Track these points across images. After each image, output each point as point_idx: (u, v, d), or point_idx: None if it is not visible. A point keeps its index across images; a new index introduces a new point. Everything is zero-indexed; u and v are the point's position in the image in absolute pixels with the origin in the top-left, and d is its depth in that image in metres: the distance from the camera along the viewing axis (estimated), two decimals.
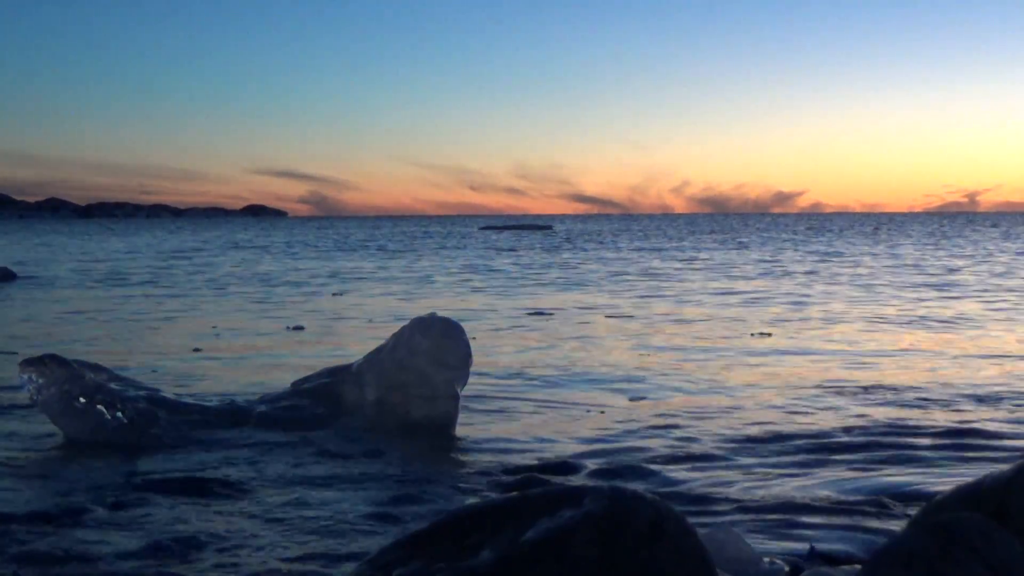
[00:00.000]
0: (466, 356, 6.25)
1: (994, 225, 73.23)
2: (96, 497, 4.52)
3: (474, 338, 6.70)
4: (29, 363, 5.96)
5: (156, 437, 5.77)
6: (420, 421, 6.05)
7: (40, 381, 5.85)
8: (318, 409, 6.25)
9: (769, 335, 10.71)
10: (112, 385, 6.08)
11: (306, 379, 6.59)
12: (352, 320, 12.74)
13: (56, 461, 5.41)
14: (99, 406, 5.89)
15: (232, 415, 6.17)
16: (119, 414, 5.89)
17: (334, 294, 17.00)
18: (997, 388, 7.36)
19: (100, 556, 3.70)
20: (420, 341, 6.18)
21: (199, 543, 3.88)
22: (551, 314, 13.12)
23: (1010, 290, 16.79)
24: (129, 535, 3.99)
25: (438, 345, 6.16)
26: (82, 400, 5.89)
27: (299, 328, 11.47)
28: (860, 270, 22.80)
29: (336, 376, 6.44)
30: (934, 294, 16.13)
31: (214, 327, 11.66)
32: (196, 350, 9.57)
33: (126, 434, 5.80)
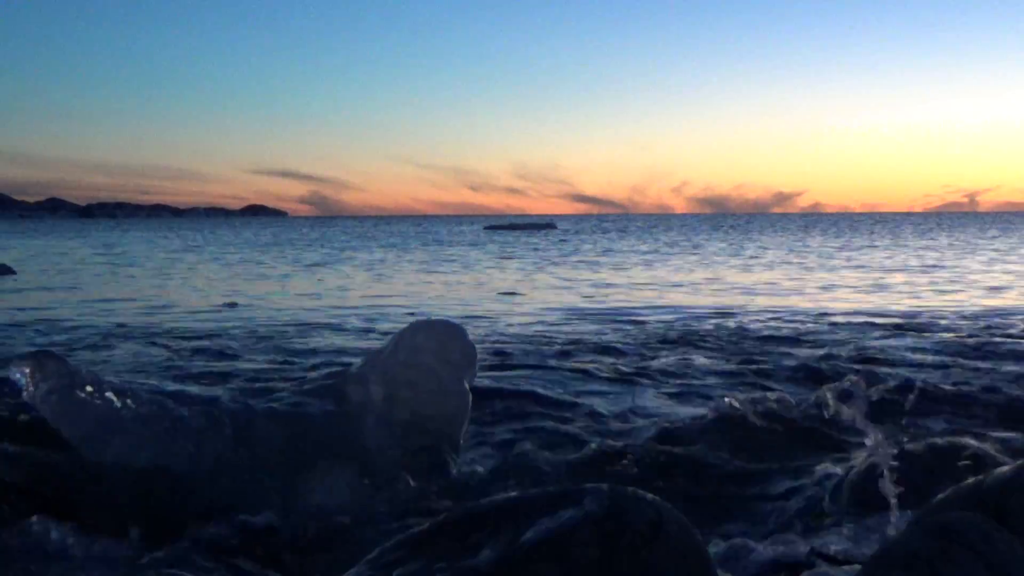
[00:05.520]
0: (472, 354, 6.21)
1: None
2: None
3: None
4: (23, 359, 5.81)
5: (173, 432, 5.58)
6: (432, 416, 6.02)
7: (38, 375, 5.64)
8: (327, 406, 6.20)
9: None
10: (111, 378, 5.98)
11: (304, 382, 6.58)
12: None
13: None
14: (108, 393, 5.63)
15: (239, 413, 6.08)
16: (130, 401, 5.64)
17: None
18: None
19: None
20: (423, 341, 6.14)
21: None
22: None
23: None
24: None
25: (442, 344, 6.13)
26: (89, 388, 5.62)
27: (232, 305, 12.02)
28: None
29: (337, 378, 6.41)
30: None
31: None
32: None
33: (141, 428, 5.55)
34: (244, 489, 4.88)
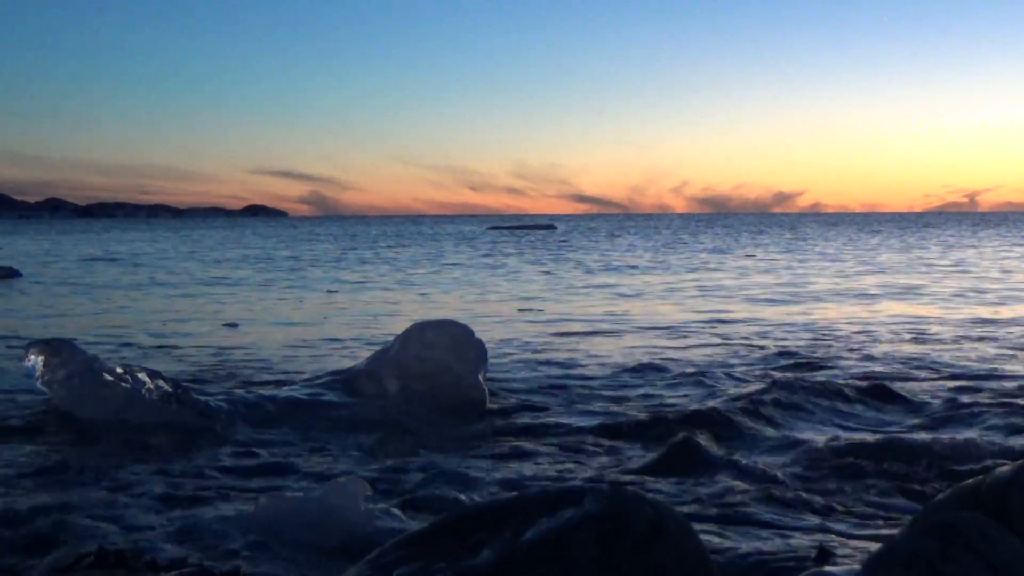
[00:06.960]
0: (483, 352, 6.25)
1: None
2: None
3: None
4: (36, 345, 5.71)
5: (201, 412, 5.55)
6: (450, 405, 6.03)
7: (55, 361, 5.56)
8: (342, 397, 6.21)
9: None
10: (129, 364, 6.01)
11: (314, 378, 6.61)
12: None
13: None
14: (140, 374, 5.60)
15: (259, 400, 6.10)
16: (161, 382, 5.61)
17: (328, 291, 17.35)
18: None
19: None
20: (434, 338, 6.19)
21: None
22: None
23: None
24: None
25: (455, 339, 6.17)
26: (119, 371, 5.59)
27: (234, 325, 11.89)
28: None
29: (345, 375, 6.43)
30: None
31: None
32: None
33: (165, 408, 5.50)
34: (269, 466, 4.92)
